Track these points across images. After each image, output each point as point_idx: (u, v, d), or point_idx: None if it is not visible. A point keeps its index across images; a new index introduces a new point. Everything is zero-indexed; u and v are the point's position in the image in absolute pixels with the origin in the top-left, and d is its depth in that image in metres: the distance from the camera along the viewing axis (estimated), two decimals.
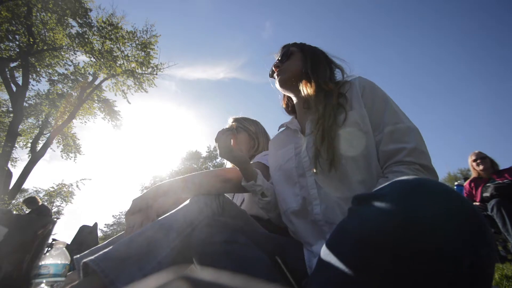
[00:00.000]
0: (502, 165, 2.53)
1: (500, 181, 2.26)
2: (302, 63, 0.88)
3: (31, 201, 4.33)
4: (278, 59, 0.93)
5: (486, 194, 2.23)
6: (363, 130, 0.70)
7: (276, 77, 0.92)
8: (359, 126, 0.70)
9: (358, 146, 0.68)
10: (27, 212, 4.33)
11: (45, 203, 4.93)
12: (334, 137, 0.69)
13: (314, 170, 0.71)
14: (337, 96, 0.75)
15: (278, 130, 0.97)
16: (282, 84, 0.91)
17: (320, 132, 0.71)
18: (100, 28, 8.60)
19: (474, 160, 2.57)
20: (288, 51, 0.92)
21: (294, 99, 0.94)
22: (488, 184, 2.29)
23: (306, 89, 0.82)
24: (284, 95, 1.01)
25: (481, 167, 2.51)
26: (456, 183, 2.91)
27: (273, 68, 0.94)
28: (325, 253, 0.42)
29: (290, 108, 1.01)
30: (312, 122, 0.79)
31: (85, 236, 3.87)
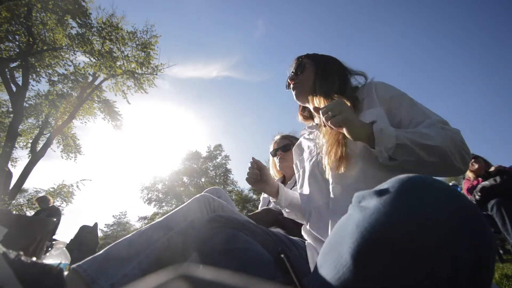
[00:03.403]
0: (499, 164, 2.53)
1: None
2: (315, 75, 0.91)
3: (42, 200, 4.40)
4: (292, 72, 0.96)
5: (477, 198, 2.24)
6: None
7: (292, 90, 0.96)
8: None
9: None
10: (37, 210, 4.39)
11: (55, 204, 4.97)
12: (340, 139, 0.71)
13: (326, 168, 0.75)
14: (351, 101, 0.77)
15: (301, 135, 1.03)
16: (298, 98, 0.95)
17: (328, 135, 0.75)
18: (100, 28, 8.60)
19: None
20: (302, 64, 0.94)
21: (311, 108, 0.97)
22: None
23: (317, 100, 0.86)
24: (300, 105, 1.05)
25: (476, 166, 2.54)
26: (450, 184, 2.93)
27: (289, 81, 0.97)
28: (326, 250, 0.43)
29: (307, 115, 1.05)
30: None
31: (85, 236, 3.87)
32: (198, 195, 0.88)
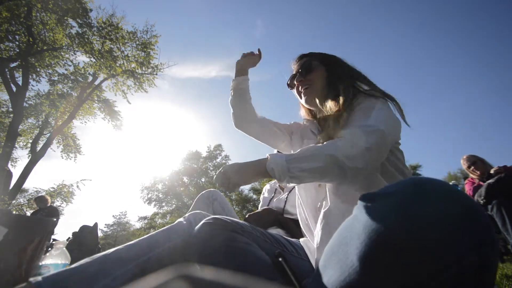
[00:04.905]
0: (501, 164, 2.52)
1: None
2: (326, 79, 0.85)
3: (40, 200, 4.45)
4: (299, 71, 0.90)
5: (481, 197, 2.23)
6: None
7: (302, 94, 0.89)
8: None
9: None
10: (35, 210, 4.42)
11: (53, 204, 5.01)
12: None
13: None
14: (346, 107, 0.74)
15: (307, 125, 0.96)
16: (307, 103, 0.89)
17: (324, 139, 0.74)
18: (100, 28, 8.60)
19: (468, 167, 2.60)
20: (310, 65, 0.88)
21: (315, 109, 0.92)
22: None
23: (327, 105, 0.80)
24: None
25: (478, 172, 2.52)
26: (450, 184, 2.91)
27: (295, 82, 0.91)
28: (329, 252, 0.42)
29: (313, 113, 0.98)
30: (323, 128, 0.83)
31: (85, 236, 3.87)
32: (186, 216, 0.85)
